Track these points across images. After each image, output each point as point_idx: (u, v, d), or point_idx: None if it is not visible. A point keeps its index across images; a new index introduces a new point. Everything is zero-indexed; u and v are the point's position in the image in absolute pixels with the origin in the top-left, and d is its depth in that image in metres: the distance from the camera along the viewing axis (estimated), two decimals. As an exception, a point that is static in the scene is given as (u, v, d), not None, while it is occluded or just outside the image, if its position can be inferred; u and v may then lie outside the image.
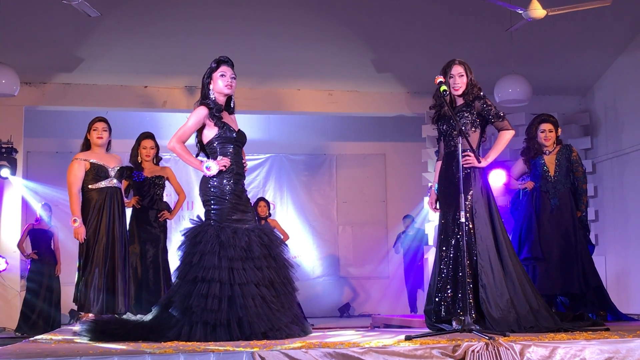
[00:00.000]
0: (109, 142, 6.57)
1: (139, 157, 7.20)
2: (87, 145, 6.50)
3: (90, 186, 6.36)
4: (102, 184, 6.37)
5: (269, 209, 9.12)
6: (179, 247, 4.96)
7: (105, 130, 6.47)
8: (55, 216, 10.10)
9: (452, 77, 5.24)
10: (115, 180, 6.42)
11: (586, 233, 6.69)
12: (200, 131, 5.09)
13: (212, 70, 5.10)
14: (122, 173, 6.52)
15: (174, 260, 5.33)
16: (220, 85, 5.07)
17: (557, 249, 6.42)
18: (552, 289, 6.37)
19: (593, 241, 7.25)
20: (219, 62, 5.11)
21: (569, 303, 6.49)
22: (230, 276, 4.75)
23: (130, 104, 10.58)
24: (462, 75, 5.24)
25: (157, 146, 7.27)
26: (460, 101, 5.29)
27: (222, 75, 5.07)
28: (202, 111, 5.03)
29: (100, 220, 6.29)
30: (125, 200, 6.81)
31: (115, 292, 6.24)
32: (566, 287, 6.37)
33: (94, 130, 6.45)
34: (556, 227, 6.48)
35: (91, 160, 6.38)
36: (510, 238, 5.40)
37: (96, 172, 6.35)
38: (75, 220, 6.24)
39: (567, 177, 6.58)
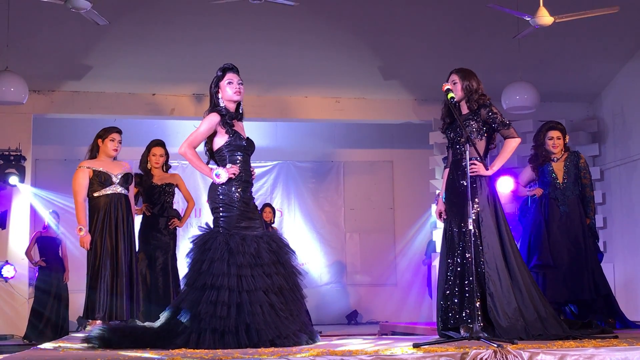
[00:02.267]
0: (116, 151, 6.62)
1: (149, 164, 7.22)
2: (94, 152, 6.51)
3: (95, 194, 6.37)
4: (106, 191, 6.38)
5: (274, 216, 9.11)
6: (188, 254, 4.96)
7: (120, 142, 6.51)
8: (63, 223, 10.11)
9: None
10: (119, 187, 6.42)
11: (595, 240, 6.66)
12: (210, 138, 5.10)
13: (218, 79, 5.11)
14: (127, 179, 6.51)
15: (183, 267, 5.34)
16: (229, 93, 5.08)
17: (567, 256, 6.40)
18: (562, 296, 6.34)
19: (601, 248, 7.22)
20: (225, 70, 5.12)
21: (577, 311, 6.47)
22: (239, 283, 4.76)
23: (138, 111, 10.62)
24: (455, 83, 5.26)
25: (167, 154, 7.29)
26: (465, 109, 5.30)
27: (229, 83, 5.08)
28: (215, 118, 5.03)
29: (105, 227, 6.30)
30: (135, 207, 6.83)
31: (121, 299, 6.24)
32: (576, 294, 6.34)
33: (110, 140, 6.45)
34: (566, 234, 6.45)
35: (94, 168, 6.39)
36: (518, 245, 5.37)
37: (99, 179, 6.35)
38: (80, 229, 6.26)
39: (575, 184, 6.55)
